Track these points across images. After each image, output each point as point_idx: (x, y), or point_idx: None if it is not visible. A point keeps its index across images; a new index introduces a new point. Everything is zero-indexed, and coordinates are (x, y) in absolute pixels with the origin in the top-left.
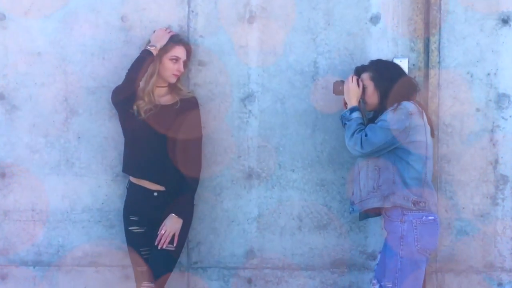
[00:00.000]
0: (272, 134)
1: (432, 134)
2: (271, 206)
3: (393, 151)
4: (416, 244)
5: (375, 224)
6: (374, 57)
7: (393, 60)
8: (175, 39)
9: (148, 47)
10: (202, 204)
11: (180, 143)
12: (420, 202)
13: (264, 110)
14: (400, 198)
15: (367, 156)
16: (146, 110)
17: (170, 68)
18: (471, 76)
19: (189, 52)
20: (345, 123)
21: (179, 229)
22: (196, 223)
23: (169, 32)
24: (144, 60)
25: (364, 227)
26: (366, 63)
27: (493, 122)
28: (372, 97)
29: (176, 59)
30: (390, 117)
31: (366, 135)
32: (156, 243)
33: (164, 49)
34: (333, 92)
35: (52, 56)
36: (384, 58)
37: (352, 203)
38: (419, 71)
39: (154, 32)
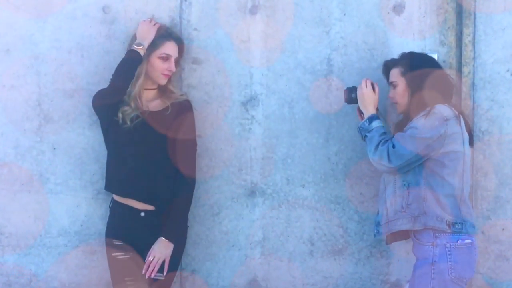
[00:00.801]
0: (278, 143)
1: (471, 143)
2: (278, 227)
3: (425, 163)
4: (449, 272)
5: (399, 249)
6: (397, 52)
7: None
8: (165, 34)
9: (134, 47)
10: (198, 226)
11: (171, 154)
12: (456, 223)
13: (269, 116)
14: (433, 219)
15: (396, 171)
16: (132, 117)
17: (160, 68)
18: None
19: (181, 49)
20: (366, 135)
21: (170, 255)
22: (191, 248)
23: (154, 25)
24: (131, 63)
25: (386, 252)
26: (388, 59)
27: None
28: (403, 96)
29: (167, 57)
30: (422, 123)
31: (393, 147)
32: (143, 271)
33: (153, 46)
34: (345, 101)
35: (22, 54)
36: None
37: (378, 225)
38: (451, 69)
39: (138, 25)
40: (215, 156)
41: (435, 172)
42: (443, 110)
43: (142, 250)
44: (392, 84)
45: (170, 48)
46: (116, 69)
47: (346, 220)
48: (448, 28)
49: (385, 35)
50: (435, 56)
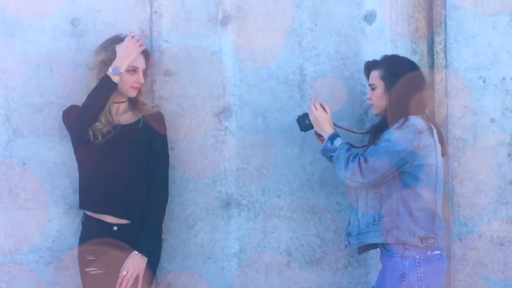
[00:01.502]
0: (253, 154)
1: (443, 153)
2: (254, 239)
3: (398, 176)
4: (419, 284)
5: (377, 258)
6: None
7: None
8: None
9: (111, 73)
10: (172, 239)
11: (144, 167)
12: (429, 238)
13: (242, 126)
14: (405, 233)
15: (369, 186)
16: (104, 133)
17: (128, 81)
18: (484, 81)
19: (147, 59)
20: (331, 156)
21: (144, 269)
22: (166, 261)
23: (140, 45)
24: (105, 93)
25: (364, 261)
26: (361, 68)
27: (511, 134)
28: (381, 100)
29: (134, 70)
30: (395, 136)
31: (366, 161)
32: (117, 287)
33: None
34: (301, 130)
35: None
36: None
37: (349, 235)
38: None
39: (124, 40)
40: (189, 168)
41: (408, 185)
42: (416, 122)
43: (116, 265)
44: (371, 86)
45: (137, 60)
46: (89, 96)
47: (323, 229)
48: (420, 36)
49: (357, 44)
50: None
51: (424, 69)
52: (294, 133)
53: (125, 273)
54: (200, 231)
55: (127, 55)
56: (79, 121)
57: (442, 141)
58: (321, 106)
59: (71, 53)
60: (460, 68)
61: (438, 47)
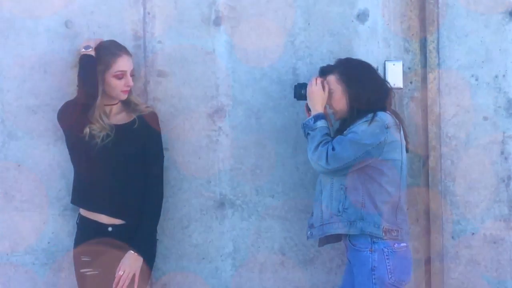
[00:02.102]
0: (246, 154)
1: (407, 149)
2: (248, 239)
3: (363, 169)
4: (389, 276)
5: None
6: (363, 60)
7: (384, 63)
8: (114, 50)
9: (83, 51)
10: (167, 239)
11: (139, 167)
12: (392, 230)
13: (236, 127)
14: (370, 225)
15: (332, 174)
16: (101, 136)
17: (118, 86)
18: (476, 80)
19: (132, 59)
20: (308, 133)
21: (139, 269)
22: (161, 262)
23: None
24: (89, 67)
25: None
26: (325, 65)
27: (504, 132)
28: (340, 103)
29: (122, 74)
30: (363, 129)
31: (333, 149)
32: (113, 287)
33: (105, 65)
34: (294, 97)
35: None
36: (374, 60)
37: (311, 227)
38: (416, 75)
39: None
40: (182, 168)
41: (373, 179)
42: (384, 118)
43: (111, 266)
44: (329, 91)
45: (123, 63)
46: (79, 79)
47: None
48: (412, 35)
49: (350, 43)
50: (400, 64)
51: (417, 68)
52: (287, 133)
53: (122, 273)
54: (195, 231)
55: (88, 40)
56: (78, 96)
57: (406, 137)
58: (322, 83)
59: (65, 55)
60: (453, 67)
61: (431, 46)
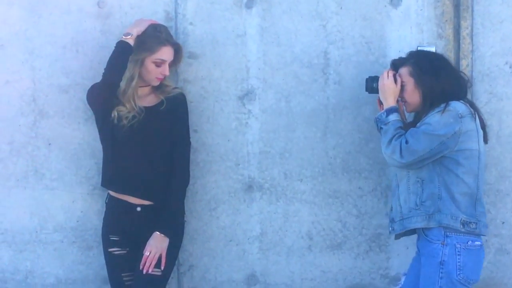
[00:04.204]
0: (275, 137)
1: (485, 140)
2: (276, 222)
3: (439, 160)
4: (458, 273)
5: (398, 243)
6: (395, 46)
7: (417, 49)
8: (162, 39)
9: (123, 37)
10: (195, 221)
11: (167, 149)
12: (471, 222)
13: (266, 110)
14: (447, 217)
15: (407, 167)
16: (128, 117)
17: (154, 72)
18: (510, 67)
19: (177, 52)
20: (381, 127)
21: (166, 249)
22: (188, 243)
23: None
24: (121, 55)
25: (385, 246)
26: (386, 52)
27: None
28: (413, 96)
29: (161, 62)
30: (436, 120)
31: (406, 142)
32: (140, 267)
33: (149, 50)
34: (366, 90)
35: (17, 49)
36: (407, 46)
37: (392, 221)
38: None
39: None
40: (212, 150)
41: (449, 170)
42: (458, 107)
43: (139, 246)
44: (401, 84)
45: (165, 53)
46: (108, 63)
47: (344, 214)
48: (446, 21)
49: (382, 28)
50: (432, 50)
51: (450, 54)
52: (317, 117)
53: (148, 253)
54: (223, 213)
55: (138, 23)
56: (102, 82)
57: (483, 127)
58: (394, 76)
59: (97, 35)
60: (486, 54)
61: (465, 32)
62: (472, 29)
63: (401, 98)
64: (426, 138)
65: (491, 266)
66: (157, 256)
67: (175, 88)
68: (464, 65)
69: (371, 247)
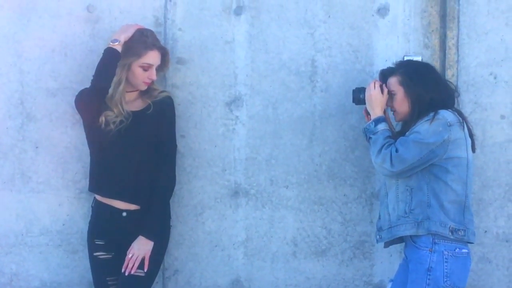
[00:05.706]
0: (262, 144)
1: (473, 148)
2: (261, 228)
3: (428, 169)
4: (445, 279)
5: (382, 250)
6: (382, 54)
7: (403, 58)
8: (149, 44)
9: (110, 44)
10: (181, 226)
11: (154, 153)
12: (459, 230)
13: (253, 116)
14: (436, 224)
15: (397, 176)
16: (115, 122)
17: (141, 76)
18: (495, 78)
19: (164, 56)
20: (370, 137)
21: (150, 252)
22: (173, 248)
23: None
24: (110, 62)
25: (369, 253)
26: (373, 61)
27: None
28: (402, 105)
29: (148, 66)
30: (425, 128)
31: (397, 151)
32: (123, 269)
33: (135, 55)
34: (353, 101)
35: (5, 52)
36: (393, 55)
37: (380, 230)
38: None
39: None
40: (198, 156)
41: (438, 178)
42: (446, 115)
43: (124, 250)
44: (390, 93)
45: (152, 57)
46: (96, 70)
47: (329, 221)
48: (432, 31)
49: (370, 37)
50: (419, 59)
51: (436, 64)
52: (303, 124)
53: (130, 255)
54: (208, 219)
55: (125, 29)
56: (92, 88)
57: (471, 136)
58: (380, 86)
59: (86, 39)
60: (471, 64)
61: (450, 42)
62: (458, 40)
63: (390, 107)
64: (415, 146)
65: (473, 274)
66: (139, 258)
67: (163, 91)
68: (449, 75)
69: (355, 254)
